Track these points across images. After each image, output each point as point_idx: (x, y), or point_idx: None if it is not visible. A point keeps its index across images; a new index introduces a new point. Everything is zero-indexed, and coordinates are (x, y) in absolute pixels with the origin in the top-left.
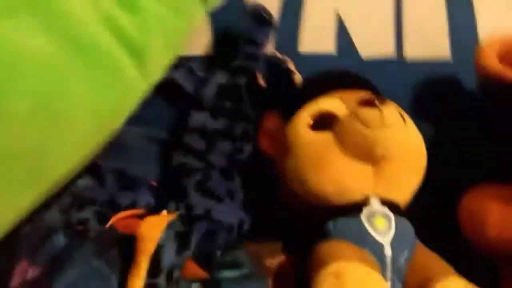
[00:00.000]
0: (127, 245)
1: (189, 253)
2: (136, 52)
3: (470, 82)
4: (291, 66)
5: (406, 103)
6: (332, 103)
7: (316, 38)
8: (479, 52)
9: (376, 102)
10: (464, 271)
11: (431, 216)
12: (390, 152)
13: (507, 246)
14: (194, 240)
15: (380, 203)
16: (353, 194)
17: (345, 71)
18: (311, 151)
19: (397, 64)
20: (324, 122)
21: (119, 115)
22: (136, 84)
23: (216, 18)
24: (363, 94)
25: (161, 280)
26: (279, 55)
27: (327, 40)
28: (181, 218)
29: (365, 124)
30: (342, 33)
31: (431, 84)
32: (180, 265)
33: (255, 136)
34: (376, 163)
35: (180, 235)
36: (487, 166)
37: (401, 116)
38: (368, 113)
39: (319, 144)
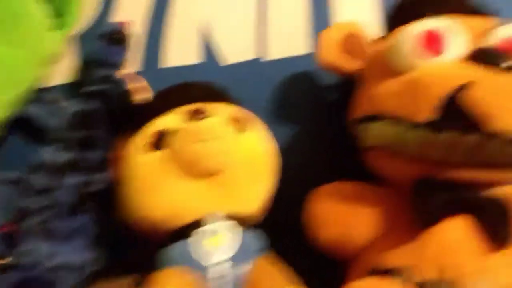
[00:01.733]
0: None
1: None
2: None
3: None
4: (137, 84)
5: (266, 103)
6: (168, 120)
7: (180, 50)
8: (318, 42)
9: (198, 115)
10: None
11: (289, 222)
12: (220, 165)
13: (334, 246)
14: None
15: (219, 219)
16: (187, 215)
17: (188, 84)
18: (139, 174)
19: (258, 64)
20: (159, 141)
21: None
22: None
23: (84, 43)
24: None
25: None
26: (126, 74)
27: (191, 51)
28: None
29: (186, 138)
30: (208, 43)
31: (292, 82)
32: None
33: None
34: (210, 178)
35: None
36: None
37: (240, 122)
38: (187, 128)
39: (147, 166)
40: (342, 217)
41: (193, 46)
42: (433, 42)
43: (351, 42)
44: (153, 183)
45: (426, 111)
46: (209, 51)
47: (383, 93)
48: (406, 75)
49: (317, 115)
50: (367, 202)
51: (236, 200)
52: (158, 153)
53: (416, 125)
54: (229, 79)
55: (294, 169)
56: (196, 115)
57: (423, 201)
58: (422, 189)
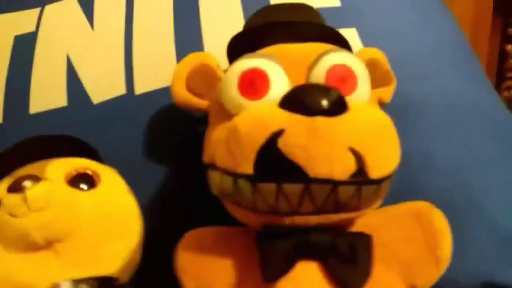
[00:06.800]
0: None
1: None
2: None
3: None
4: None
5: (140, 137)
6: None
7: (46, 93)
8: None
9: (22, 185)
10: None
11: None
12: (55, 234)
13: None
14: None
15: (72, 285)
16: None
17: (28, 141)
18: None
19: (128, 99)
20: None
21: None
22: None
23: None
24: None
25: None
26: None
27: (58, 93)
28: None
29: (10, 213)
30: (73, 83)
31: (161, 115)
32: None
33: None
34: (53, 247)
35: None
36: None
37: (87, 178)
38: (9, 201)
39: None
40: (201, 269)
41: (58, 86)
42: (253, 84)
43: (201, 77)
44: None
45: (245, 162)
46: (74, 90)
47: (215, 139)
48: (232, 120)
49: (192, 150)
50: (226, 250)
51: (89, 264)
52: None
53: (239, 177)
54: (99, 119)
55: (168, 214)
56: (19, 184)
57: (267, 249)
58: (266, 237)
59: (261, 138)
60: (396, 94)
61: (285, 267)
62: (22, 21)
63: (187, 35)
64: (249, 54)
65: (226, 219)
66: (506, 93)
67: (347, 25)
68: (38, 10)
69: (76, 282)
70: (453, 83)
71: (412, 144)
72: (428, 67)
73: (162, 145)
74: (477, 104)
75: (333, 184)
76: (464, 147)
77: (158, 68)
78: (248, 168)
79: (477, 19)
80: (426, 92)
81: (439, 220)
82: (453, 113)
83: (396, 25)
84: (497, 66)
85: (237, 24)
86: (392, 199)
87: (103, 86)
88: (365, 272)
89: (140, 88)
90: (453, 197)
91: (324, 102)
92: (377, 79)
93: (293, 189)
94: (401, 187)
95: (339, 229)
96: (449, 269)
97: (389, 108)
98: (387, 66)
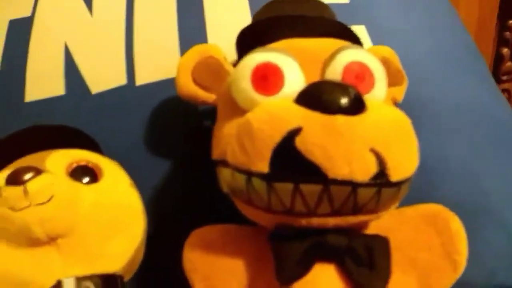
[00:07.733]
0: None
1: None
2: None
3: None
4: None
5: (140, 129)
6: None
7: (43, 81)
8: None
9: (23, 177)
10: None
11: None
12: (57, 229)
13: None
14: None
15: (76, 282)
16: (35, 285)
17: (28, 130)
18: None
19: (128, 90)
20: None
21: None
22: None
23: None
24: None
25: None
26: None
27: (55, 81)
28: None
29: (10, 207)
30: (71, 71)
31: (162, 107)
32: None
33: None
34: (55, 243)
35: None
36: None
37: (88, 171)
38: (9, 194)
39: None
40: (211, 269)
41: (55, 74)
42: (266, 79)
43: (207, 70)
44: None
45: (260, 160)
46: (72, 79)
47: (226, 135)
48: (245, 116)
49: (194, 144)
50: (236, 249)
51: (93, 260)
52: None
53: (253, 175)
54: (97, 110)
55: (168, 211)
56: (15, 180)
57: (282, 250)
58: (280, 237)
59: (277, 135)
60: (405, 94)
61: (302, 270)
62: (17, 5)
63: (191, 25)
64: (262, 48)
65: (231, 217)
66: None
67: (356, 22)
68: None
69: (80, 279)
70: (461, 86)
71: (425, 146)
72: (435, 68)
73: (162, 138)
74: (485, 107)
75: (353, 186)
76: (476, 150)
77: (161, 59)
78: (263, 166)
79: (481, 23)
80: (433, 93)
81: (456, 224)
82: (461, 115)
83: (404, 25)
84: (492, 69)
85: (242, 17)
86: (406, 201)
87: (103, 75)
88: (384, 276)
89: (141, 79)
90: (467, 200)
91: (344, 101)
92: (389, 78)
93: (311, 189)
94: (415, 189)
95: (355, 231)
96: (463, 273)
97: (400, 108)
98: (398, 65)
